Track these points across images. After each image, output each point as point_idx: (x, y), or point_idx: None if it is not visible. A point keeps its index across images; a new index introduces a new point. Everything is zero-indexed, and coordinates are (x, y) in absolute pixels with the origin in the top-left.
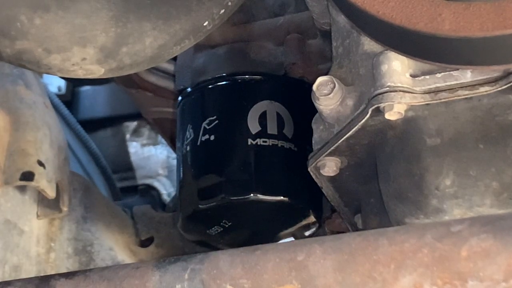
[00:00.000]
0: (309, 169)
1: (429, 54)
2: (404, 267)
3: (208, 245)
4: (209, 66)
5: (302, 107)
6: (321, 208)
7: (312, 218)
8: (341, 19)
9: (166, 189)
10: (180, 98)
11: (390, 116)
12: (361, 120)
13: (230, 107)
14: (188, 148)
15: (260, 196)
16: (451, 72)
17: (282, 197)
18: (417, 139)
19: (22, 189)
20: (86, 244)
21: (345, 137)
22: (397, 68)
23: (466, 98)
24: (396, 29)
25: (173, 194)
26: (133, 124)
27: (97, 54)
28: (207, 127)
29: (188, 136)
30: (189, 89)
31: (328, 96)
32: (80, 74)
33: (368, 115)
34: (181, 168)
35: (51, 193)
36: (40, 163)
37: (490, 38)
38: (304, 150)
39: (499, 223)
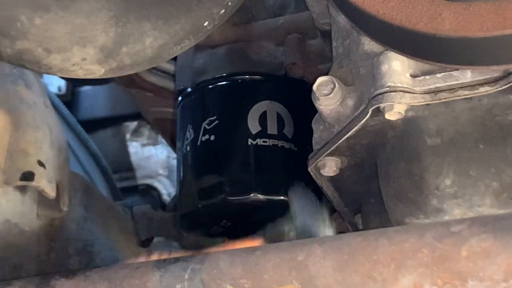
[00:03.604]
0: (309, 169)
1: (429, 54)
2: (404, 267)
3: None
4: (209, 66)
5: (302, 107)
6: None
7: None
8: (341, 19)
9: (166, 189)
10: (180, 98)
11: (390, 116)
12: (361, 120)
13: (230, 107)
14: (188, 148)
15: (260, 196)
16: (451, 72)
17: (282, 197)
18: (417, 139)
19: (22, 189)
20: (86, 244)
21: (345, 137)
22: (397, 68)
23: (466, 98)
24: (396, 29)
25: (173, 194)
26: (133, 124)
27: (97, 54)
28: (207, 127)
29: (188, 136)
30: (189, 89)
31: (328, 96)
32: (80, 74)
33: (368, 115)
34: (181, 168)
35: (51, 193)
36: (40, 163)
37: (490, 38)
38: (304, 150)
39: (499, 223)
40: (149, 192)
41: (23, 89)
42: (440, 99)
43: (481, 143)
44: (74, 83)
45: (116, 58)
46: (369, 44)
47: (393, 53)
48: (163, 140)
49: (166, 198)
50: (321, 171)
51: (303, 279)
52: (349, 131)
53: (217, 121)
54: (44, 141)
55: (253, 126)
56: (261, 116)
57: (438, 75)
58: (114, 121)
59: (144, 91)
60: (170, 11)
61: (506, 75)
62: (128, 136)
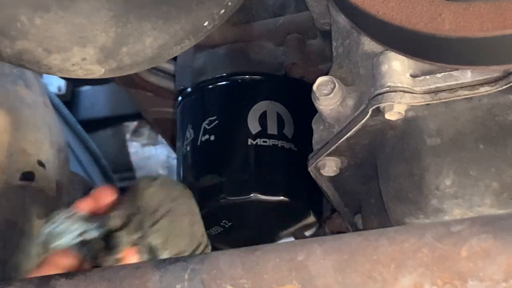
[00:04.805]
0: (309, 169)
1: (429, 54)
2: (404, 267)
3: None
4: (209, 66)
5: (302, 107)
6: (321, 208)
7: (312, 218)
8: (341, 19)
9: None
10: (180, 98)
11: (390, 116)
12: (361, 120)
13: (230, 107)
14: (188, 148)
15: (260, 196)
16: (451, 72)
17: (282, 197)
18: (417, 139)
19: (22, 189)
20: None
21: (345, 137)
22: (397, 68)
23: (466, 98)
24: (396, 29)
25: None
26: (133, 124)
27: (97, 54)
28: (207, 127)
29: (188, 136)
30: (189, 89)
31: (328, 96)
32: (80, 74)
33: (368, 115)
34: (181, 168)
35: (51, 193)
36: (40, 163)
37: (490, 38)
38: (304, 150)
39: (499, 223)
40: None
41: (23, 89)
42: (440, 99)
43: (481, 143)
44: (74, 83)
45: (116, 58)
46: (369, 44)
47: (393, 53)
48: (163, 140)
49: None
50: (321, 171)
51: (303, 279)
52: (349, 131)
53: (217, 121)
54: (44, 141)
55: (253, 126)
56: (261, 116)
57: (438, 75)
58: (114, 121)
59: (144, 91)
60: (170, 11)
61: (506, 75)
62: (128, 136)
